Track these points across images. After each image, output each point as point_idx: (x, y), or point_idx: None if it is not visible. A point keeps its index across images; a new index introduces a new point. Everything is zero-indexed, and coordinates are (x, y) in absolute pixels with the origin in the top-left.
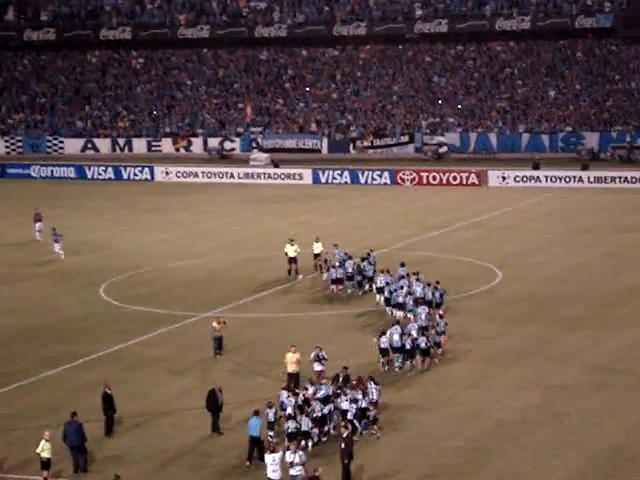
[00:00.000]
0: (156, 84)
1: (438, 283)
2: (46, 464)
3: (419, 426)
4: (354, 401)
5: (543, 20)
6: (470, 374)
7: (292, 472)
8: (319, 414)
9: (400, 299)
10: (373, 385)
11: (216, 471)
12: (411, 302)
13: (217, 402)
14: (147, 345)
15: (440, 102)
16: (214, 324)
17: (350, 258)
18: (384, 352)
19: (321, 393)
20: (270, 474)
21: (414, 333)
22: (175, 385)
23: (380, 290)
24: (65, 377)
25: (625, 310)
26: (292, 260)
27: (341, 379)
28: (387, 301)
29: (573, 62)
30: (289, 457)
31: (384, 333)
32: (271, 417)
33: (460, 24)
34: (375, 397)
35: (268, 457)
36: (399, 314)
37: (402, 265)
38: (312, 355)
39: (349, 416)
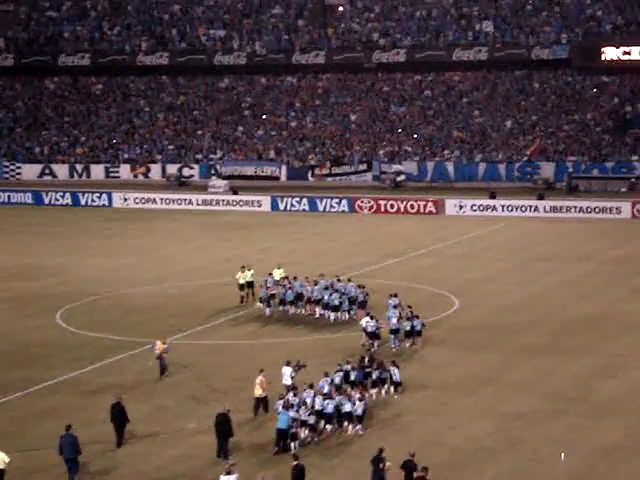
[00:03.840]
0: (115, 110)
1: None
2: None
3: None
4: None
5: (500, 51)
6: (427, 401)
7: None
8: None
9: (336, 302)
10: (395, 368)
11: None
12: (346, 303)
13: (228, 426)
14: (104, 372)
15: (398, 131)
16: (158, 343)
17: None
18: (394, 332)
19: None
20: None
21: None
22: (132, 412)
23: (318, 302)
24: (21, 404)
25: (582, 338)
26: (243, 287)
27: (367, 360)
28: (325, 305)
29: (529, 92)
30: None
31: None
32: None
33: (418, 54)
34: (398, 378)
35: (223, 478)
36: (332, 315)
37: (321, 275)
38: (286, 372)
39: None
